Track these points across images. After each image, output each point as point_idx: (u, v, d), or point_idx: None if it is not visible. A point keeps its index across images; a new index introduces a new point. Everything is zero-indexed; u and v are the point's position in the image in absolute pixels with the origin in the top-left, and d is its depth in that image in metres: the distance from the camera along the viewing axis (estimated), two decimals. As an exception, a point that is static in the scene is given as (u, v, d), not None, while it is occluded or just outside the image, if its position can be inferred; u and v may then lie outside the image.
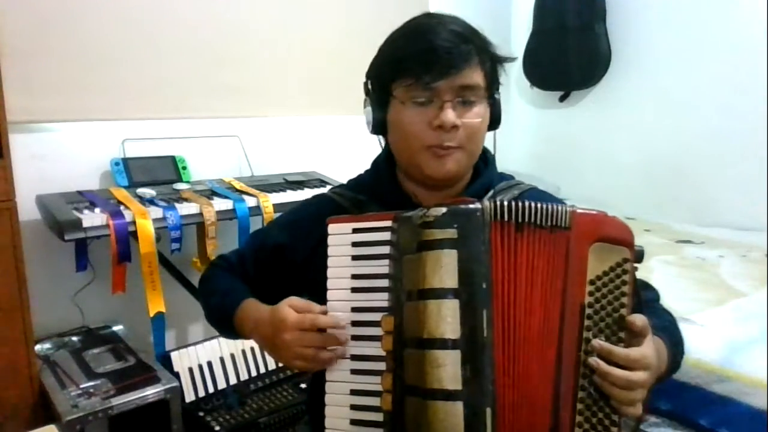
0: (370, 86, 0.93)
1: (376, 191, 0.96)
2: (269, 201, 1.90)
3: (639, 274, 0.77)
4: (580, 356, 0.73)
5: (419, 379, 0.71)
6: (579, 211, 0.75)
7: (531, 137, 3.44)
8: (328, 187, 1.08)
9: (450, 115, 0.83)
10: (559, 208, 0.75)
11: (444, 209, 0.74)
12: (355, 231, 0.80)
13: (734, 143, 2.58)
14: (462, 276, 0.72)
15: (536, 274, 0.74)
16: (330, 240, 0.81)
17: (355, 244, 0.80)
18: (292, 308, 0.81)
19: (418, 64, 0.82)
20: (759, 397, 1.29)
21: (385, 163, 0.98)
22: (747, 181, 2.55)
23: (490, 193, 0.94)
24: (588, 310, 0.73)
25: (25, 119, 1.75)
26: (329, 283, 0.81)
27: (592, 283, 0.73)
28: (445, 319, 0.71)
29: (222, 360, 1.84)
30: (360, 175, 1.04)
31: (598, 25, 2.92)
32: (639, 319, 0.74)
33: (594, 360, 0.72)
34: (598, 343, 0.72)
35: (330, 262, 0.81)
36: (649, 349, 0.74)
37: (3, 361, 1.48)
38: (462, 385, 0.69)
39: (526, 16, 3.20)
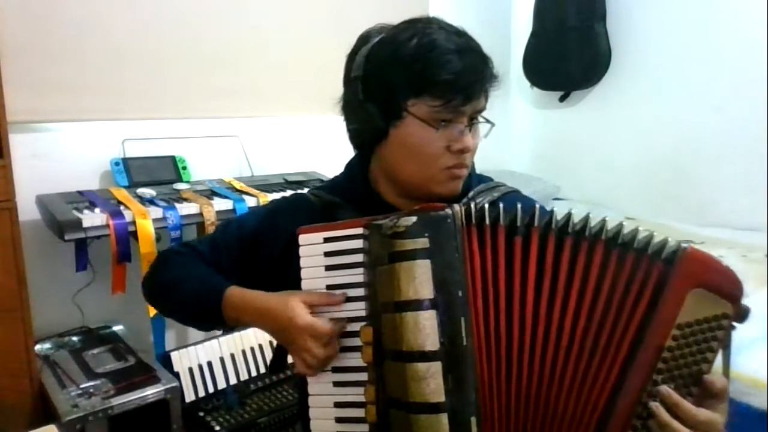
0: (366, 92, 0.85)
1: (349, 194, 0.94)
2: (269, 201, 1.90)
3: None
4: (642, 396, 0.69)
5: (402, 392, 0.70)
6: (691, 249, 0.69)
7: (531, 137, 3.44)
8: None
9: (470, 139, 0.83)
10: (667, 241, 0.70)
11: (414, 218, 0.72)
12: (327, 240, 0.78)
13: (734, 143, 2.58)
14: (437, 285, 0.70)
15: (555, 282, 0.71)
16: (302, 251, 0.79)
17: (327, 254, 0.78)
18: (304, 305, 0.77)
19: (450, 86, 0.79)
20: (759, 397, 1.29)
21: (358, 166, 0.96)
22: (747, 181, 2.54)
23: (470, 194, 0.92)
24: (665, 353, 0.68)
25: (25, 119, 1.75)
26: None
27: (679, 327, 0.68)
28: (423, 330, 0.69)
29: (222, 360, 1.84)
30: (334, 178, 1.03)
31: (598, 25, 2.91)
32: (720, 381, 0.69)
33: (655, 405, 0.68)
34: (667, 390, 0.68)
35: (304, 273, 0.79)
36: (721, 416, 0.70)
37: (3, 361, 1.48)
38: (445, 397, 0.68)
39: (526, 16, 3.20)
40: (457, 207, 0.74)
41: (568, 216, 0.73)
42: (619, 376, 0.70)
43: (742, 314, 0.70)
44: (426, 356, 0.69)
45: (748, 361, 1.36)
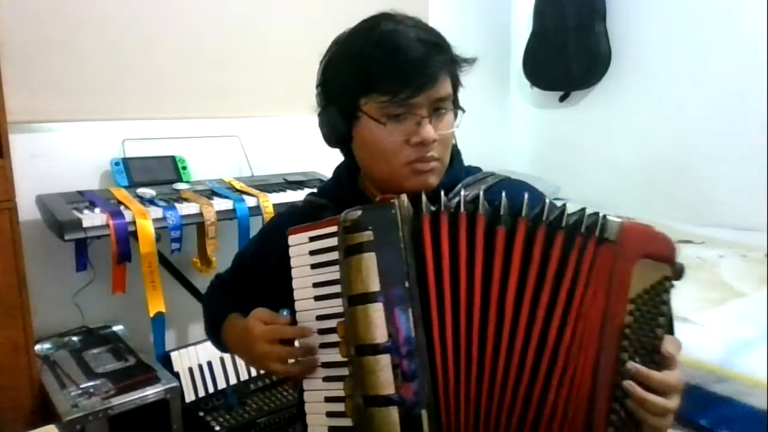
0: (326, 97, 0.87)
1: (337, 196, 0.95)
2: (269, 201, 1.90)
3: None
4: (615, 378, 0.69)
5: (361, 386, 0.71)
6: (627, 223, 0.71)
7: (531, 137, 3.44)
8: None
9: (430, 130, 0.79)
10: (609, 219, 0.72)
11: (359, 212, 0.73)
12: (312, 239, 0.79)
13: (734, 143, 2.58)
14: (383, 277, 0.71)
15: (543, 275, 0.71)
16: (291, 251, 0.81)
17: (312, 252, 0.79)
18: (258, 320, 0.84)
19: (393, 80, 0.78)
20: (759, 397, 1.29)
21: (346, 170, 0.96)
22: (747, 181, 2.55)
23: (458, 187, 0.90)
24: (626, 330, 0.70)
25: (25, 119, 1.75)
26: (295, 294, 0.81)
27: (633, 302, 0.70)
28: (372, 323, 0.70)
29: (222, 360, 1.84)
30: (324, 183, 1.04)
31: (598, 25, 2.92)
32: (671, 341, 0.72)
33: (629, 384, 0.69)
34: (635, 366, 0.69)
35: (294, 273, 0.81)
36: (680, 371, 0.72)
37: (3, 361, 1.48)
38: (395, 390, 0.69)
39: (526, 16, 3.20)
40: (404, 197, 0.74)
41: (521, 203, 0.73)
42: (594, 366, 0.70)
43: (679, 272, 0.71)
44: (376, 349, 0.70)
45: (748, 361, 1.36)
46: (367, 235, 0.71)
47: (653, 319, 0.70)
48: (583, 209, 0.73)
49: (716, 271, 2.00)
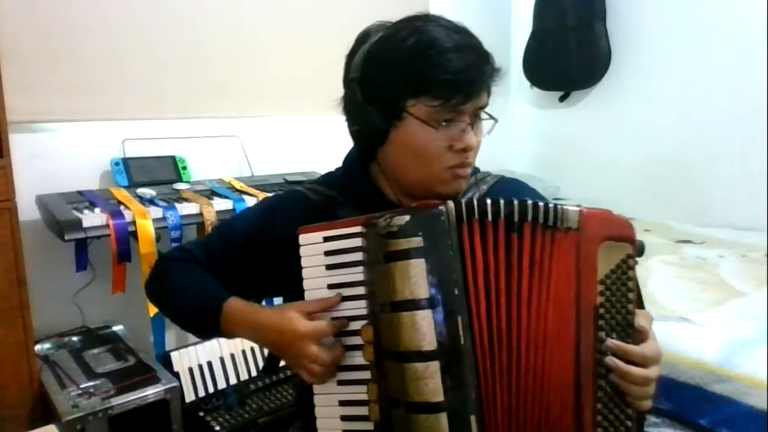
0: (365, 94, 0.84)
1: (348, 189, 0.93)
2: (269, 201, 1.90)
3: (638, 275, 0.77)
4: (596, 357, 0.73)
5: (401, 392, 0.70)
6: (586, 210, 0.74)
7: (531, 137, 3.44)
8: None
9: (473, 137, 0.82)
10: (567, 208, 0.74)
11: (407, 217, 0.71)
12: (326, 239, 0.78)
13: (734, 143, 2.58)
14: (432, 284, 0.70)
15: (541, 274, 0.73)
16: (302, 251, 0.79)
17: (327, 253, 0.78)
18: (300, 313, 0.78)
19: (448, 86, 0.78)
20: (759, 397, 1.28)
21: (358, 161, 0.94)
22: (747, 181, 2.55)
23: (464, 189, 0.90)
24: (600, 311, 0.73)
25: (25, 119, 1.76)
26: (306, 295, 0.79)
27: (602, 282, 0.73)
28: (420, 330, 0.69)
29: (222, 360, 1.84)
30: (331, 173, 1.00)
31: (598, 25, 2.92)
32: (643, 315, 0.76)
33: (611, 360, 0.73)
34: (613, 343, 0.73)
35: (305, 273, 0.79)
36: (656, 341, 0.76)
37: (3, 361, 1.48)
38: (443, 396, 0.68)
39: (526, 16, 3.20)
40: (451, 204, 0.73)
41: (529, 208, 0.74)
42: (576, 345, 0.73)
43: (640, 249, 0.76)
44: (423, 356, 0.69)
45: (748, 361, 1.36)
46: (417, 241, 0.70)
47: (623, 296, 0.74)
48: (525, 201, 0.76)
49: (716, 271, 2.00)
